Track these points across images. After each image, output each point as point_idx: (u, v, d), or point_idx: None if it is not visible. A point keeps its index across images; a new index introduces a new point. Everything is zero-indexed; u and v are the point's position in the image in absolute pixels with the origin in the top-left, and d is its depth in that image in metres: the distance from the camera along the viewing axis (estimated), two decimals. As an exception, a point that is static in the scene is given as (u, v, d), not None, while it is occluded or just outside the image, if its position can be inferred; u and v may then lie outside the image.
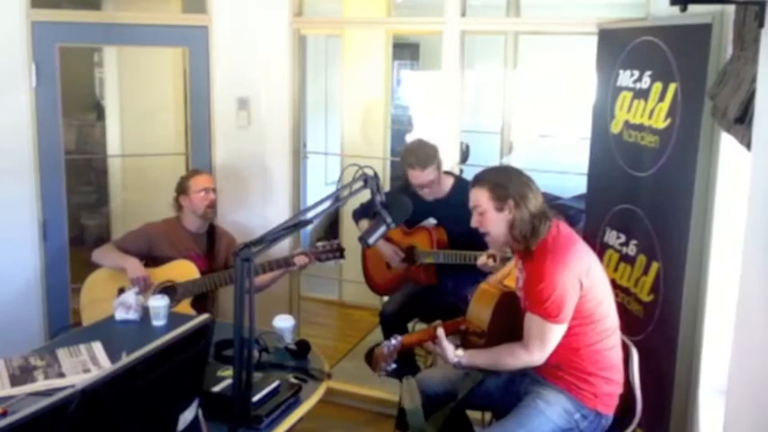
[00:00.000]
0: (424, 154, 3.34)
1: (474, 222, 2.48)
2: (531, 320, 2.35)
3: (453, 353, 2.43)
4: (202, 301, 3.41)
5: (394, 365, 2.55)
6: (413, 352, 3.42)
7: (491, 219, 2.42)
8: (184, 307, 3.31)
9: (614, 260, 2.96)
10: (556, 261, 2.30)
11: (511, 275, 2.68)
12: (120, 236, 3.72)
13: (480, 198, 2.43)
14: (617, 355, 2.44)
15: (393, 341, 2.50)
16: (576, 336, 2.35)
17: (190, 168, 3.93)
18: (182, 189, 3.48)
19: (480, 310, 2.56)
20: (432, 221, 3.49)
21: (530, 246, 2.37)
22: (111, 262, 3.35)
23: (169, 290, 3.26)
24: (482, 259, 3.08)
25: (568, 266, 2.30)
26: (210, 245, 3.54)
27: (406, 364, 2.65)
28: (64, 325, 3.66)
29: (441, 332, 2.46)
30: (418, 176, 3.34)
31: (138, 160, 5.00)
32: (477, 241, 3.16)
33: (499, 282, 2.71)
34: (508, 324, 2.48)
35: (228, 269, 3.41)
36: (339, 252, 3.29)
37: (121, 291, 3.16)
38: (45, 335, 3.83)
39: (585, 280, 2.31)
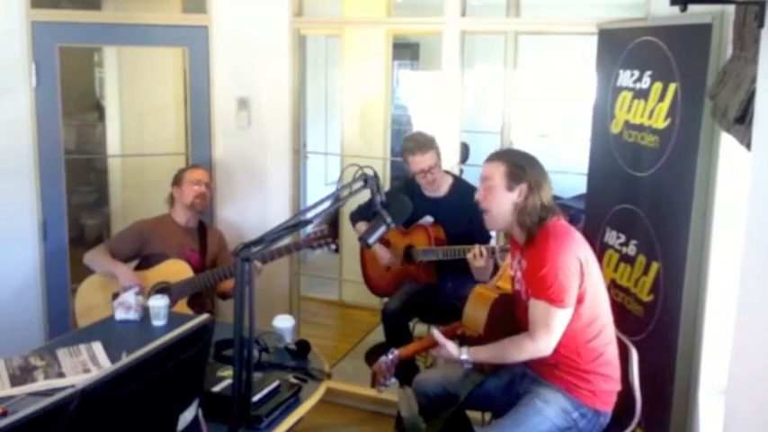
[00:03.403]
0: (423, 138, 3.42)
1: (479, 195, 2.42)
2: (536, 306, 2.32)
3: (456, 350, 2.42)
4: (199, 299, 3.41)
5: (393, 380, 2.55)
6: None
7: (498, 195, 2.37)
8: (181, 307, 3.30)
9: (614, 260, 2.96)
10: (558, 244, 2.29)
11: (505, 276, 2.67)
12: (111, 237, 3.73)
13: (495, 172, 2.38)
14: (613, 352, 2.43)
15: (390, 356, 2.50)
16: (573, 332, 2.34)
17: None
18: (176, 180, 3.54)
19: (476, 313, 2.55)
20: (428, 219, 3.49)
21: (533, 234, 2.35)
22: (102, 268, 3.32)
23: (163, 291, 3.25)
24: (474, 251, 3.06)
25: (569, 249, 2.29)
26: (203, 240, 3.54)
27: (406, 366, 2.65)
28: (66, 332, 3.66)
29: (437, 332, 2.45)
30: (418, 162, 3.36)
31: (137, 160, 5.00)
32: (475, 240, 3.17)
33: (493, 284, 2.70)
34: (505, 327, 2.46)
35: (222, 266, 3.40)
36: (329, 239, 3.16)
37: (116, 296, 3.15)
38: (45, 335, 3.84)
39: (585, 266, 2.30)
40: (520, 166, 2.36)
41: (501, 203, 2.38)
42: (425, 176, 3.39)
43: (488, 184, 2.40)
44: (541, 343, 2.31)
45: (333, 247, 3.20)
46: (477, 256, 3.04)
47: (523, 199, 2.34)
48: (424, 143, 3.37)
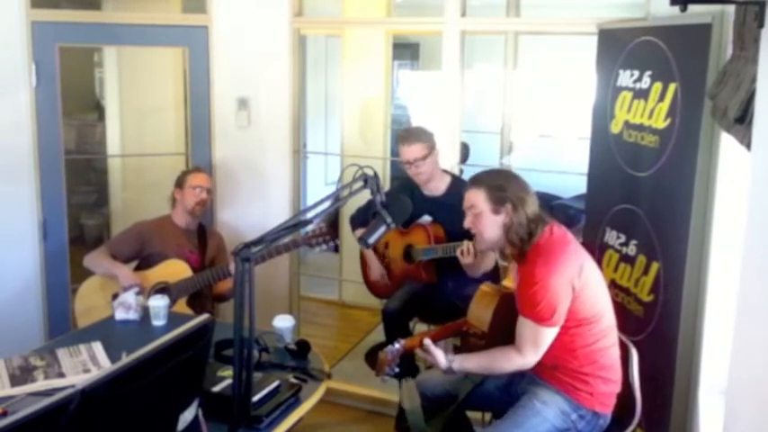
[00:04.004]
0: (416, 130, 3.42)
1: (467, 223, 2.46)
2: (524, 324, 2.34)
3: (444, 359, 2.42)
4: (199, 299, 3.41)
5: (397, 369, 2.55)
6: (413, 353, 3.44)
7: (486, 221, 2.39)
8: (180, 306, 3.31)
9: (614, 260, 2.96)
10: (547, 264, 2.29)
11: (510, 276, 2.68)
12: (111, 239, 3.73)
13: (477, 199, 2.40)
14: (615, 354, 2.43)
15: (396, 345, 2.50)
16: (572, 336, 2.34)
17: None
18: (179, 182, 3.55)
19: (481, 311, 2.55)
20: (427, 218, 3.49)
21: (524, 249, 2.35)
22: (103, 270, 3.33)
23: (163, 291, 3.25)
24: (462, 248, 3.06)
25: (559, 270, 2.28)
26: (202, 242, 3.55)
27: (405, 366, 2.66)
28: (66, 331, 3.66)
29: (428, 341, 2.44)
30: (405, 152, 3.35)
31: (137, 160, 5.00)
32: (473, 239, 3.16)
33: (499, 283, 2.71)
34: (509, 325, 2.47)
35: (220, 265, 3.40)
36: (327, 236, 3.20)
37: (116, 296, 3.15)
38: (45, 335, 3.84)
39: (577, 282, 2.30)
40: (500, 188, 2.37)
41: (491, 227, 2.40)
42: (410, 168, 3.38)
43: (474, 212, 2.42)
44: (529, 358, 2.34)
45: (332, 244, 3.22)
46: (465, 253, 3.03)
47: (510, 218, 2.35)
48: (415, 134, 3.37)
